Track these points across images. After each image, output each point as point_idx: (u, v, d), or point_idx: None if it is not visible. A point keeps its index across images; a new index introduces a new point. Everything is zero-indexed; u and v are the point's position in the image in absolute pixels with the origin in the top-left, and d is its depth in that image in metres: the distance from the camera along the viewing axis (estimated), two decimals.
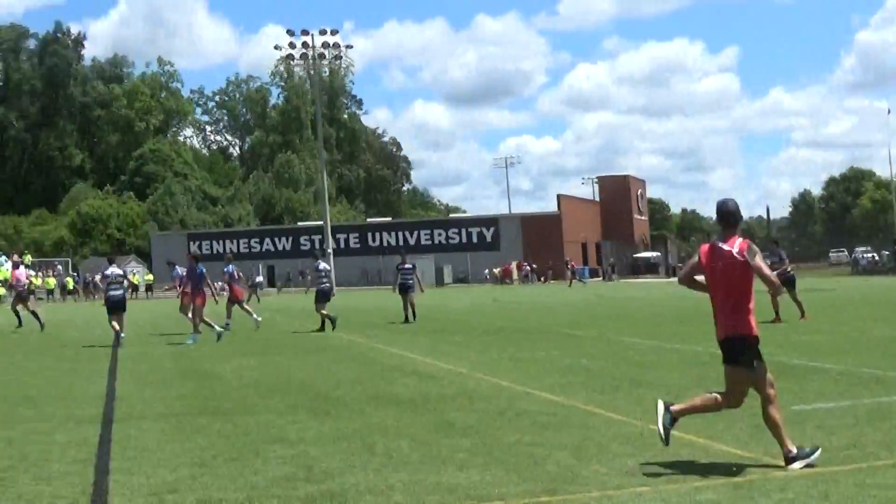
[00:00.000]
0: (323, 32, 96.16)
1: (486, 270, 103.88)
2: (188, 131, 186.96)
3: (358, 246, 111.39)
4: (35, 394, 15.74)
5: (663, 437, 9.00)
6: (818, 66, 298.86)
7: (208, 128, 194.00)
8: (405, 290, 32.94)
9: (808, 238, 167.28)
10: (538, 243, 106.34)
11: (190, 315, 28.06)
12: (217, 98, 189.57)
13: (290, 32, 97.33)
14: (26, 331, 34.91)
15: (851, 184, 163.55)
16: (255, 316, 32.50)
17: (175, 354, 22.78)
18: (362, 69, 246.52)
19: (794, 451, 8.69)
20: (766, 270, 8.84)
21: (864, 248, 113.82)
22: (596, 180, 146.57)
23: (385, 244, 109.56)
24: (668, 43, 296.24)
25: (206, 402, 14.21)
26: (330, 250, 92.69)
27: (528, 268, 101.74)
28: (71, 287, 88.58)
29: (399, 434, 10.94)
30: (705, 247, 9.17)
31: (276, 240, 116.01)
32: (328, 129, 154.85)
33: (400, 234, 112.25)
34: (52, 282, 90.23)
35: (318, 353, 22.04)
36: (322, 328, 29.93)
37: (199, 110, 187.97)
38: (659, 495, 7.85)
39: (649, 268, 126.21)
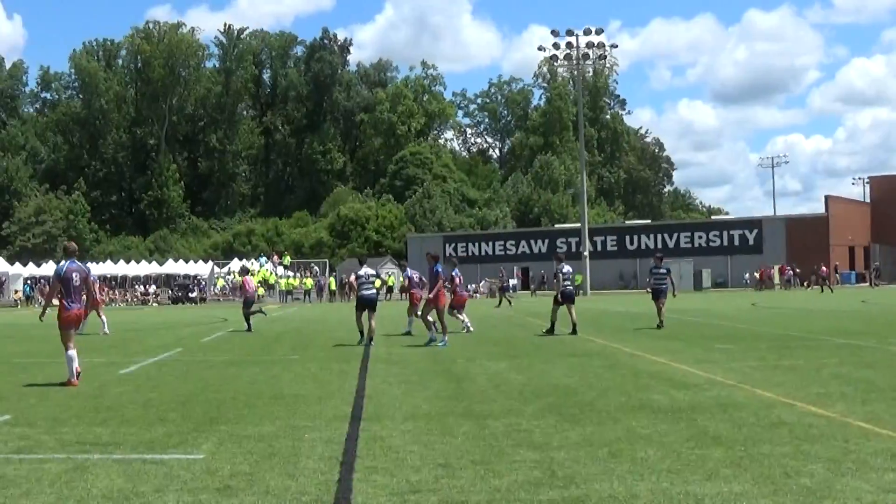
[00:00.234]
0: (587, 32, 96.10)
1: (747, 274, 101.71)
2: (449, 134, 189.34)
3: (615, 248, 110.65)
4: (286, 392, 15.98)
5: None
6: None
7: (469, 130, 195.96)
8: (657, 294, 32.34)
9: None
10: (803, 246, 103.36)
11: (417, 315, 28.33)
12: (479, 100, 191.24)
13: (555, 33, 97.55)
14: (280, 331, 35.64)
15: None
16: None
17: (428, 355, 22.91)
18: (627, 68, 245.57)
19: None
20: None
21: None
22: (867, 180, 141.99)
23: (643, 247, 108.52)
24: None
25: (455, 403, 14.19)
26: (587, 253, 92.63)
27: (790, 272, 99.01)
28: (333, 287, 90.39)
29: (648, 442, 10.72)
30: None
31: (532, 242, 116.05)
32: (590, 129, 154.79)
33: (658, 236, 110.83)
34: (309, 282, 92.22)
35: (570, 356, 21.82)
36: (574, 331, 29.44)
37: (460, 113, 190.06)
38: None
39: None
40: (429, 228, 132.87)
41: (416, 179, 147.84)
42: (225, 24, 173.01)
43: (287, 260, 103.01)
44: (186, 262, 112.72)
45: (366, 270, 27.85)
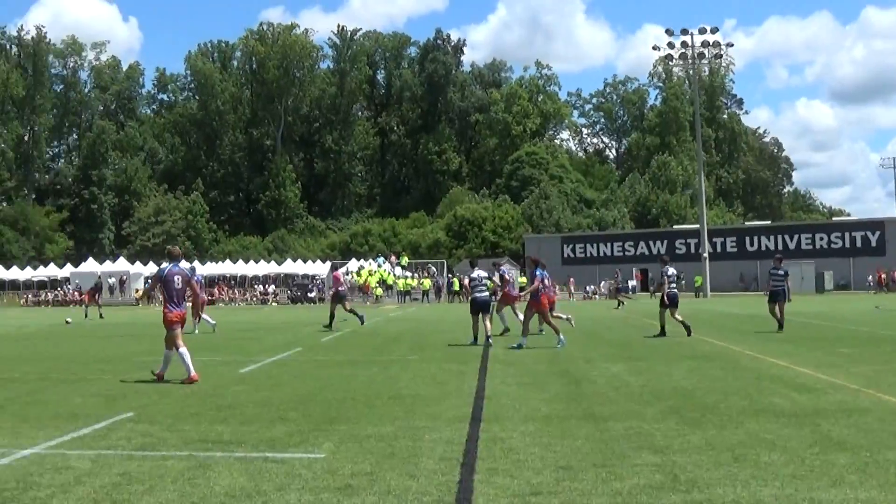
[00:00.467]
0: (703, 31, 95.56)
1: (870, 277, 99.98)
2: (564, 134, 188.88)
3: (735, 250, 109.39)
4: (405, 392, 16.04)
5: None
6: None
7: (585, 130, 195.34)
8: (775, 297, 31.82)
9: None
10: None
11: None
12: (594, 100, 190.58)
13: (670, 32, 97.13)
14: (398, 331, 35.79)
15: None
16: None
17: (547, 356, 22.83)
18: (743, 67, 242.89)
19: None
20: None
21: None
22: None
23: (763, 248, 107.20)
24: None
25: (574, 405, 14.15)
26: (706, 254, 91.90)
27: None
28: (458, 288, 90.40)
29: (771, 446, 10.57)
30: None
31: (651, 243, 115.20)
32: (707, 129, 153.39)
33: (778, 237, 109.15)
34: (427, 283, 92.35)
35: (690, 359, 21.63)
36: (662, 333, 29.37)
37: (575, 113, 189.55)
38: None
39: None
40: (546, 229, 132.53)
41: (532, 180, 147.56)
42: (338, 26, 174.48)
43: (404, 260, 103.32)
44: (304, 261, 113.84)
45: (478, 273, 27.89)
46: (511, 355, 22.95)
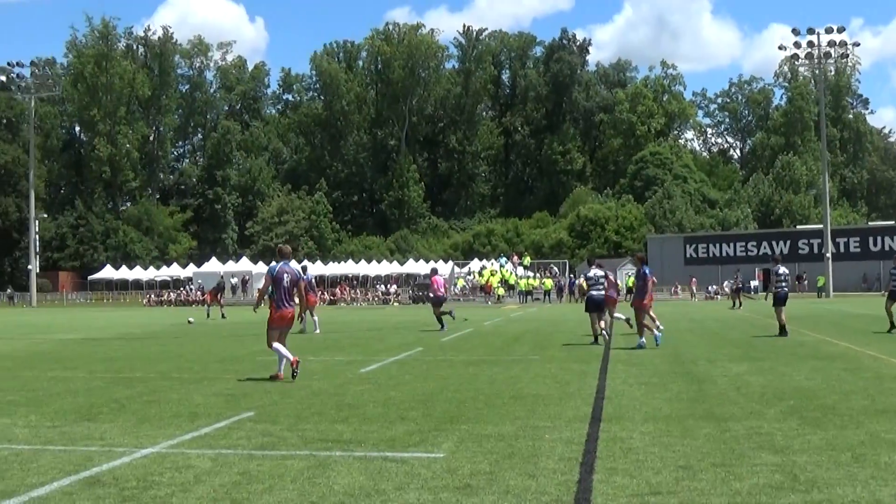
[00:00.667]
0: (829, 31, 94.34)
1: None
2: (689, 134, 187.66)
3: (858, 250, 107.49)
4: (526, 392, 16.05)
5: None
6: None
7: (709, 130, 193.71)
8: (893, 296, 31.14)
9: None
10: None
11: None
12: (719, 100, 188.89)
13: (796, 32, 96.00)
14: (520, 331, 35.80)
15: None
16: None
17: (668, 357, 22.69)
18: (869, 67, 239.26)
19: None
20: None
21: None
22: None
23: (887, 249, 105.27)
24: None
25: (695, 405, 14.08)
26: (829, 255, 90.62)
27: None
28: (586, 288, 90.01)
29: (892, 447, 10.47)
30: None
31: (774, 243, 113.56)
32: (832, 129, 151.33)
33: None
34: (549, 283, 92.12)
35: (812, 359, 21.40)
36: (783, 332, 29.20)
37: (700, 113, 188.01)
38: None
39: None
40: (669, 229, 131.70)
41: (656, 180, 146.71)
42: (464, 26, 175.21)
43: (527, 260, 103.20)
44: (427, 261, 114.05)
45: (595, 272, 27.87)
46: (633, 356, 22.85)
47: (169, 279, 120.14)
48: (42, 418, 13.53)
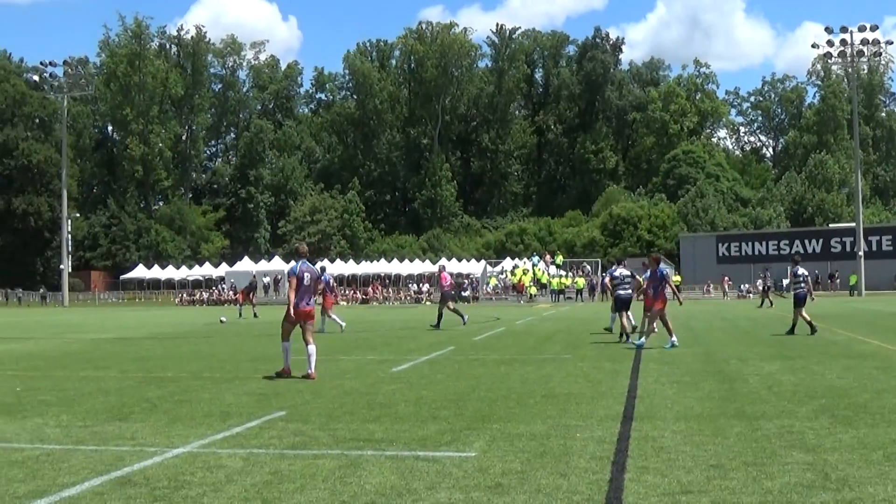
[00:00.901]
0: (862, 29, 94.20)
1: None
2: (722, 133, 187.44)
3: (891, 248, 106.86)
4: (558, 391, 16.06)
5: None
6: None
7: (742, 129, 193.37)
8: None
9: None
10: None
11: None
12: (752, 98, 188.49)
13: (829, 30, 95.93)
14: (552, 330, 35.83)
15: None
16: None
17: (701, 355, 22.71)
18: None
19: None
20: None
21: None
22: None
23: None
24: None
25: (727, 404, 14.05)
26: (861, 253, 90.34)
27: None
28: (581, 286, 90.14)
29: None
30: None
31: (806, 242, 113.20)
32: (864, 128, 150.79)
33: None
34: (581, 282, 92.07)
35: (844, 358, 21.35)
36: (813, 330, 29.26)
37: (733, 111, 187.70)
38: None
39: None
40: (701, 228, 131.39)
41: (689, 178, 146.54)
42: (497, 24, 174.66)
43: (559, 259, 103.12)
44: (459, 260, 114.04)
45: (621, 271, 27.94)
46: (665, 355, 22.79)
47: (201, 278, 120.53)
48: (74, 418, 13.59)
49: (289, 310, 18.75)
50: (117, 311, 79.17)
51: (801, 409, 13.28)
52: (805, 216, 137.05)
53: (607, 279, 28.61)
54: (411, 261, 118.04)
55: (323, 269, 35.23)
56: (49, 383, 18.40)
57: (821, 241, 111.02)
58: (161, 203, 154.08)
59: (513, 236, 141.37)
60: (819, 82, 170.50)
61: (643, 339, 25.29)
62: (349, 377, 18.74)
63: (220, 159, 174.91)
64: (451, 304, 38.27)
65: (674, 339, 25.00)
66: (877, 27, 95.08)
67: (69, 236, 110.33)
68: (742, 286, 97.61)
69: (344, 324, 35.83)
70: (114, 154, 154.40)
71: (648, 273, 26.55)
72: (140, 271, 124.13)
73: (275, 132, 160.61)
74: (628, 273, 28.22)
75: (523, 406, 14.13)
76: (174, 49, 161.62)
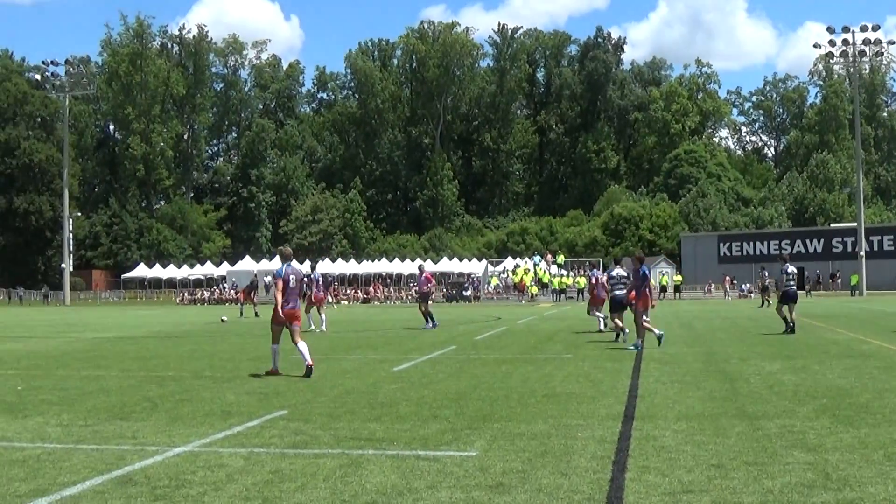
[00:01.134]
0: (864, 29, 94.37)
1: None
2: (723, 132, 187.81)
3: (892, 248, 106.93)
4: (559, 390, 16.07)
5: None
6: None
7: (744, 128, 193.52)
8: None
9: None
10: None
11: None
12: (754, 98, 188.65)
13: (830, 30, 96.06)
14: (553, 329, 35.82)
15: None
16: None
17: (702, 354, 22.71)
18: None
19: None
20: None
21: None
22: None
23: None
24: None
25: (728, 403, 14.06)
26: (862, 253, 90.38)
27: None
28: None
29: None
30: None
31: (808, 241, 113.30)
32: (866, 127, 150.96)
33: None
34: (582, 281, 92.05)
35: (846, 358, 21.36)
36: (791, 330, 29.74)
37: (735, 111, 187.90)
38: None
39: None
40: (703, 228, 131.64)
41: (691, 178, 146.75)
42: (499, 24, 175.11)
43: (561, 259, 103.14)
44: (461, 260, 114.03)
45: (618, 271, 27.94)
46: (666, 354, 22.78)
47: (202, 278, 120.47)
48: (75, 417, 13.59)
49: (276, 311, 18.99)
50: (118, 310, 79.11)
51: (803, 409, 13.28)
52: (806, 216, 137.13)
53: (604, 278, 28.60)
54: (413, 260, 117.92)
55: (313, 268, 35.37)
56: (50, 382, 18.40)
57: (822, 240, 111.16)
58: (162, 202, 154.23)
59: (514, 236, 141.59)
60: (821, 82, 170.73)
61: (639, 339, 25.38)
62: (350, 376, 18.75)
63: (221, 158, 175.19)
64: (423, 307, 38.23)
65: (639, 341, 25.03)
66: (878, 27, 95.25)
67: (70, 235, 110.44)
68: (743, 286, 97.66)
69: (324, 328, 35.84)
70: (115, 153, 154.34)
71: (631, 272, 26.78)
72: (141, 270, 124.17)
73: (276, 131, 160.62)
74: (625, 273, 28.25)
75: (524, 405, 14.12)
76: (176, 48, 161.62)
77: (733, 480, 8.82)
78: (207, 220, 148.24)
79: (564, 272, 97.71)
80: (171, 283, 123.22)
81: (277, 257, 20.24)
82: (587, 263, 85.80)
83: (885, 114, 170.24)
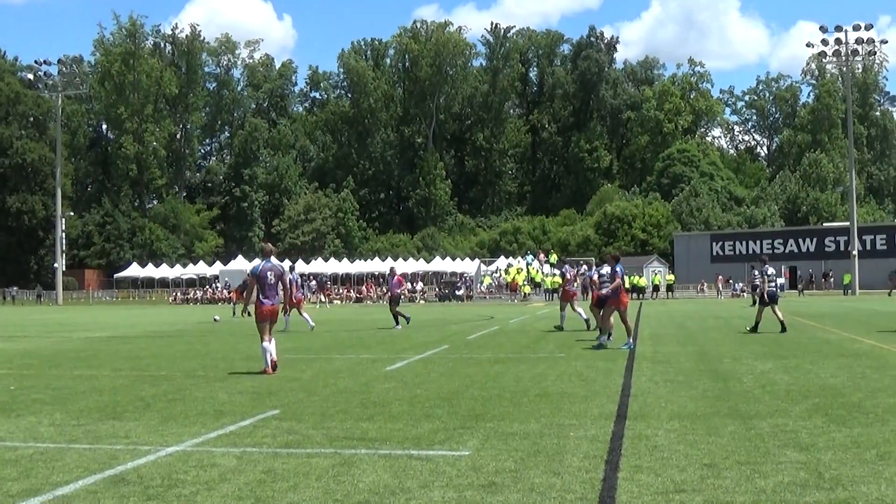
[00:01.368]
0: (857, 28, 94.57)
1: None
2: (716, 131, 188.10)
3: (885, 248, 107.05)
4: (551, 390, 16.05)
5: None
6: None
7: (737, 128, 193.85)
8: None
9: None
10: None
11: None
12: (747, 98, 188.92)
13: (823, 29, 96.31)
14: (546, 329, 35.86)
15: None
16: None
17: (694, 354, 22.72)
18: None
19: None
20: None
21: None
22: None
23: None
24: None
25: (721, 403, 14.05)
26: (855, 252, 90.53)
27: None
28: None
29: None
30: None
31: (800, 241, 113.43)
32: (859, 126, 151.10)
33: None
34: (558, 280, 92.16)
35: (838, 357, 21.36)
36: (755, 329, 30.28)
37: (728, 110, 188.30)
38: None
39: None
40: (695, 227, 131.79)
41: (683, 177, 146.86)
42: (491, 23, 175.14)
43: (553, 258, 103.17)
44: (453, 259, 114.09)
45: (606, 270, 27.93)
46: (659, 354, 22.81)
47: (195, 277, 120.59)
48: (67, 416, 13.57)
49: (257, 308, 19.16)
50: (111, 309, 79.12)
51: (795, 409, 13.27)
52: (799, 215, 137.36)
53: (595, 276, 28.58)
54: (405, 259, 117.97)
55: (292, 269, 35.49)
56: (43, 382, 18.39)
57: (815, 240, 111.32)
58: (155, 202, 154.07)
59: (507, 235, 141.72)
60: (813, 81, 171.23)
61: (623, 340, 25.49)
62: (343, 376, 18.71)
63: (214, 158, 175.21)
64: (393, 308, 38.46)
65: (606, 338, 25.07)
66: (871, 26, 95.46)
67: (63, 235, 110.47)
68: (736, 285, 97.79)
69: (312, 323, 35.98)
70: (108, 153, 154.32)
71: (608, 270, 26.81)
72: (134, 270, 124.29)
73: (269, 131, 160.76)
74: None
75: (517, 405, 14.11)
76: (169, 48, 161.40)
77: (726, 480, 8.81)
78: (200, 219, 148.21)
79: (557, 271, 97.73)
80: (163, 283, 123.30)
81: (271, 257, 20.12)
82: (560, 260, 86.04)
83: (877, 113, 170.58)
